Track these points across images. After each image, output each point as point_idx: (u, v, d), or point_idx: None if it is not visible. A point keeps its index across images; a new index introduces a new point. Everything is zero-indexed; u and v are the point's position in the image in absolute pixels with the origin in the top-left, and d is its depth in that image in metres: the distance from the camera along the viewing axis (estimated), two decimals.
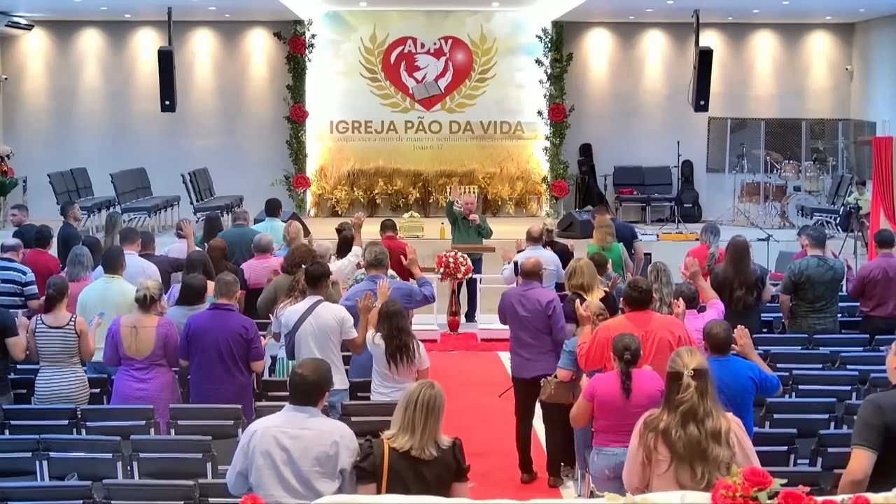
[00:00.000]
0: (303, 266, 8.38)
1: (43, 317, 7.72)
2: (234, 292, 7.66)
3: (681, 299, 7.64)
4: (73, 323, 7.69)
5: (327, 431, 4.87)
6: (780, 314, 10.00)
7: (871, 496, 3.94)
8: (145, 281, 7.76)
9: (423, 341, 7.63)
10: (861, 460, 4.60)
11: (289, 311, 7.70)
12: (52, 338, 7.64)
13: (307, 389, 4.94)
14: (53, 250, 11.11)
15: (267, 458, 4.83)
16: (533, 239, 11.08)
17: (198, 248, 10.51)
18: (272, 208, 12.75)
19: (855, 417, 4.81)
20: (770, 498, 3.82)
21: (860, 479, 4.56)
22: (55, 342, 7.63)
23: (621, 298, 7.37)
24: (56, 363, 7.62)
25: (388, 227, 11.52)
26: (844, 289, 10.16)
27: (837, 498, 3.98)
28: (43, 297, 8.14)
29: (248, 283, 9.74)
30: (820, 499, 3.95)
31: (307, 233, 13.13)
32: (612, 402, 6.22)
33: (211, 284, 8.76)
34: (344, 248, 10.30)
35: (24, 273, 9.41)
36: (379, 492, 4.78)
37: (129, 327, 7.43)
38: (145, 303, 7.50)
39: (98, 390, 7.91)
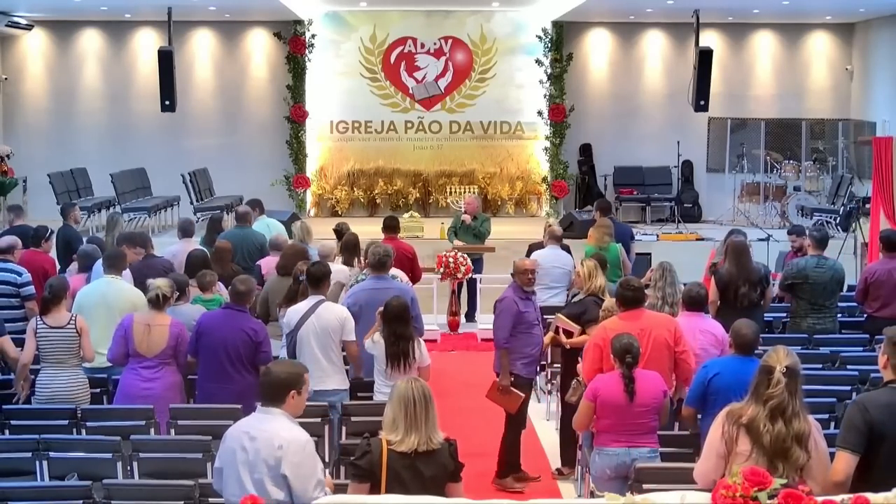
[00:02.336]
0: (298, 267, 8.39)
1: (43, 317, 7.71)
2: (244, 301, 7.69)
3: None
4: (73, 322, 7.69)
5: (277, 435, 4.77)
6: (781, 314, 10.02)
7: (871, 496, 3.96)
8: (156, 280, 7.78)
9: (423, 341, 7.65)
10: (843, 462, 4.69)
11: (291, 311, 7.71)
12: (53, 338, 7.63)
13: (272, 388, 4.88)
14: (54, 250, 11.09)
15: (231, 458, 4.83)
16: (555, 238, 11.09)
17: (200, 248, 10.49)
18: (262, 207, 12.69)
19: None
20: (770, 498, 3.82)
21: (842, 480, 4.63)
22: (57, 342, 7.62)
23: (615, 298, 7.42)
24: (57, 364, 7.60)
25: (390, 227, 11.29)
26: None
27: (837, 498, 4.00)
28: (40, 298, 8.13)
29: (264, 279, 9.74)
30: (819, 499, 3.96)
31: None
32: (615, 402, 6.22)
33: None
34: (347, 251, 10.21)
35: (20, 274, 9.32)
36: (377, 491, 4.78)
37: (142, 324, 7.45)
38: (158, 302, 7.52)
39: (98, 390, 7.91)
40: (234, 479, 4.80)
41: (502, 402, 8.09)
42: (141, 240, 10.07)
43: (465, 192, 17.77)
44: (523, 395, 8.04)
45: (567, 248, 11.67)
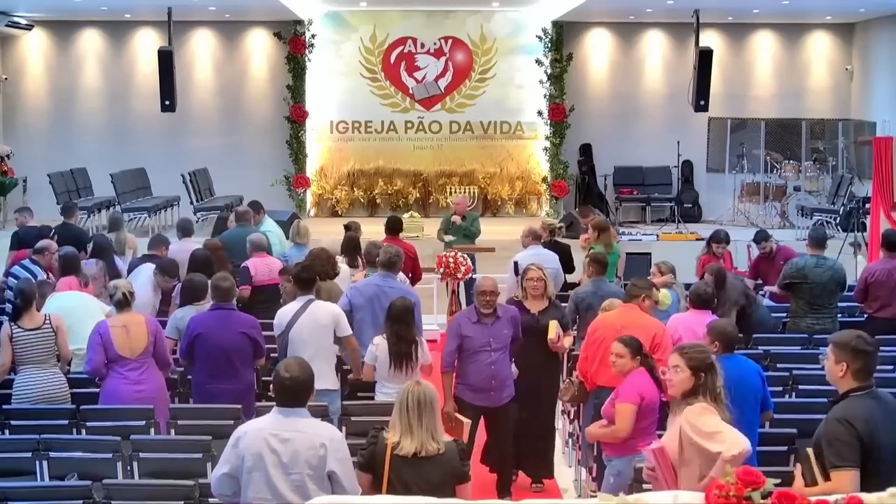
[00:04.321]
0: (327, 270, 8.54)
1: (17, 322, 7.59)
2: (231, 298, 7.69)
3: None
4: (49, 322, 7.64)
5: (317, 434, 4.82)
6: (781, 314, 10.03)
7: (864, 496, 3.96)
8: (116, 282, 7.78)
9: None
10: (847, 481, 4.50)
11: (281, 312, 7.71)
12: (30, 340, 7.57)
13: (295, 391, 4.88)
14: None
15: (258, 461, 4.80)
16: (535, 237, 11.09)
17: (202, 248, 10.50)
18: (263, 209, 12.61)
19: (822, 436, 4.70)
20: (763, 498, 3.83)
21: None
22: (35, 344, 7.57)
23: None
24: (36, 365, 7.54)
25: (391, 228, 11.31)
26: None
27: (831, 498, 3.99)
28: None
29: (253, 280, 9.77)
30: (814, 498, 3.96)
31: None
32: (655, 402, 6.16)
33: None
34: (348, 252, 10.22)
35: (38, 277, 9.30)
36: (378, 486, 4.79)
37: (119, 328, 7.36)
38: (127, 301, 7.47)
39: (97, 390, 7.89)
40: (263, 482, 4.78)
41: (450, 429, 7.82)
42: (171, 269, 9.66)
43: (465, 192, 17.76)
44: (468, 420, 7.65)
45: (567, 248, 11.69)
